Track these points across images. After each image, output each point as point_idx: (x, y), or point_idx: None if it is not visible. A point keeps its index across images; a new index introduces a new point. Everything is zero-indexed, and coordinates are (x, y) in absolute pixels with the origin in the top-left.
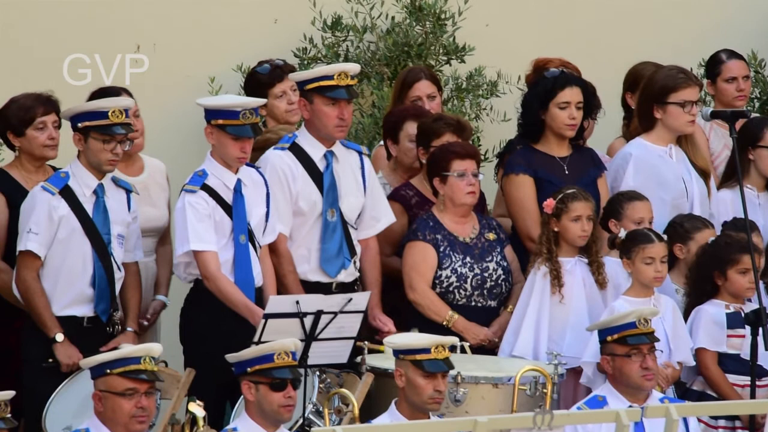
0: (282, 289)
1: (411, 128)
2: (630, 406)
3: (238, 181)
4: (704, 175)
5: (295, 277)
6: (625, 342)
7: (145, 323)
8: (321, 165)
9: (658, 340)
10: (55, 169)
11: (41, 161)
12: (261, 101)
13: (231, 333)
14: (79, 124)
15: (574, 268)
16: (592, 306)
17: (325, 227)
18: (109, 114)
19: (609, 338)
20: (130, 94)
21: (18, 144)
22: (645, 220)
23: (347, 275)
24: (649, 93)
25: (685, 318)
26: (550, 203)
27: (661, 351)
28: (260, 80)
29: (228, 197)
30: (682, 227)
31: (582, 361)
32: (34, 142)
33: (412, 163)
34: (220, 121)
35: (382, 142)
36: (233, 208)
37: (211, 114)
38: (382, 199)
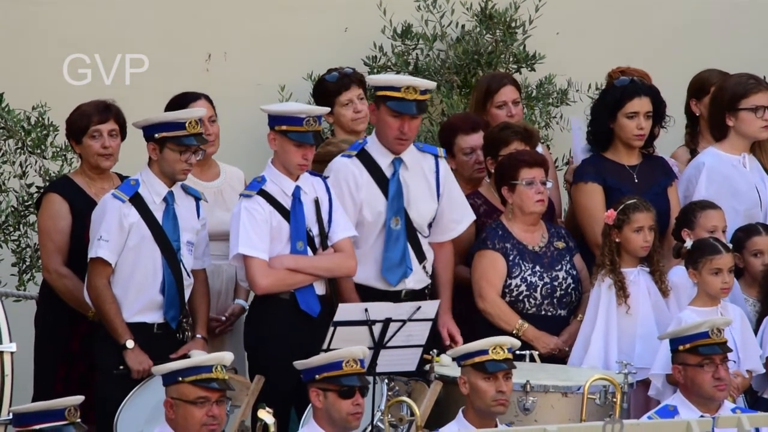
0: (339, 296)
1: (462, 142)
2: (701, 416)
3: (297, 188)
4: None
5: (350, 284)
6: (697, 352)
7: (223, 318)
8: (388, 172)
9: (730, 350)
10: (120, 175)
11: (97, 170)
12: (325, 110)
13: (296, 340)
14: (156, 135)
15: (637, 278)
16: (658, 315)
17: (389, 235)
18: (186, 125)
19: (681, 348)
20: (209, 99)
21: (79, 152)
22: (718, 229)
23: (417, 282)
24: (719, 101)
25: (759, 328)
26: (611, 214)
27: (733, 361)
28: (328, 88)
29: (286, 203)
30: (737, 236)
31: (651, 374)
32: (89, 150)
33: (470, 175)
34: (284, 128)
35: None
36: (291, 214)
37: (274, 120)
38: (461, 199)
